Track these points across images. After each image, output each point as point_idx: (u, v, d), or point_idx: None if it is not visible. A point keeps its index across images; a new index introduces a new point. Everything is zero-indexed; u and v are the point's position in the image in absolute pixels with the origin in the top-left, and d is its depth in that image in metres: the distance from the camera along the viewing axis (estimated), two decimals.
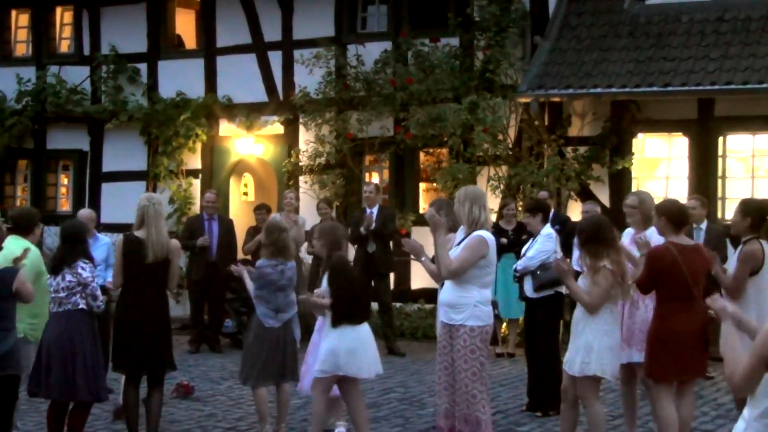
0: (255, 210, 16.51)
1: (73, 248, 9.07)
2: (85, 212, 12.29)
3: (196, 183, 19.92)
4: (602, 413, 8.91)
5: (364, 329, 9.11)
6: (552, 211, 14.41)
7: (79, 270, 8.90)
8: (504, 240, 14.42)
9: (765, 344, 4.88)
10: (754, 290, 8.91)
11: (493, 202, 16.39)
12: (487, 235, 8.75)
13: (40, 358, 9.01)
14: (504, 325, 15.57)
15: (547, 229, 11.09)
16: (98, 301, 8.93)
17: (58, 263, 9.05)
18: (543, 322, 11.03)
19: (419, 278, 17.44)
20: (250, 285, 9.93)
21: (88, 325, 9.00)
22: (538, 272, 10.85)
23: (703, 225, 13.32)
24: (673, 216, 8.74)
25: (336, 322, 9.01)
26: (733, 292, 8.89)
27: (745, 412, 5.05)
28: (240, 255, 16.01)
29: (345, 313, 8.96)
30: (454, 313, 8.68)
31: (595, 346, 8.58)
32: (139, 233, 9.34)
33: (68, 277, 8.91)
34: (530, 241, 11.24)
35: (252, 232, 15.76)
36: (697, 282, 8.64)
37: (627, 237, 9.70)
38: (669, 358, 8.52)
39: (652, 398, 9.23)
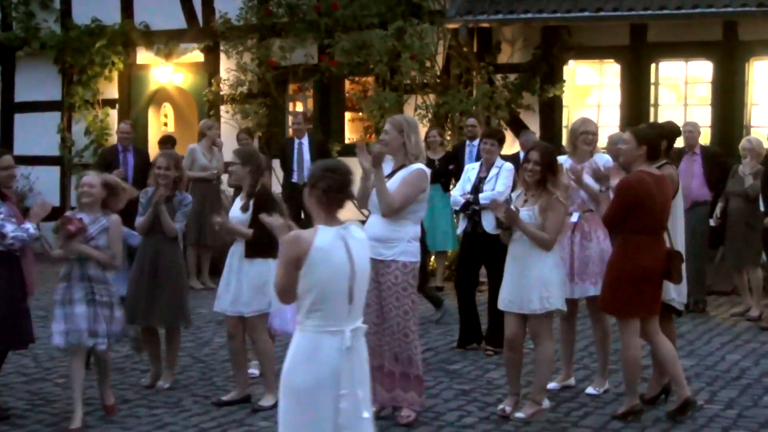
0: (159, 143, 15.93)
1: None
2: None
3: (113, 113, 19.20)
4: (554, 350, 8.60)
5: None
6: (479, 139, 14.05)
7: None
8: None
9: (287, 252, 5.28)
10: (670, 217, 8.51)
11: (421, 131, 15.94)
12: (425, 167, 8.32)
13: None
14: (432, 258, 15.17)
15: (507, 163, 10.64)
16: (7, 238, 8.06)
17: None
18: (500, 258, 10.08)
19: (348, 210, 16.94)
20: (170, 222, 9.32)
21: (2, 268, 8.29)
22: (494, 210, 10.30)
23: (697, 149, 13.18)
24: (655, 145, 8.27)
25: (254, 254, 8.57)
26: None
27: (298, 316, 5.39)
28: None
29: (268, 246, 8.42)
30: (385, 249, 8.20)
31: (552, 279, 8.26)
32: None
33: None
34: (490, 173, 10.58)
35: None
36: (665, 215, 8.25)
37: (565, 164, 9.25)
38: (634, 294, 8.09)
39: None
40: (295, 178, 15.11)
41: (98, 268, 8.23)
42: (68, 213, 8.49)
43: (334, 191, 5.38)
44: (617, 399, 8.85)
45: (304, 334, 5.35)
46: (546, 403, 8.45)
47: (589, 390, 9.18)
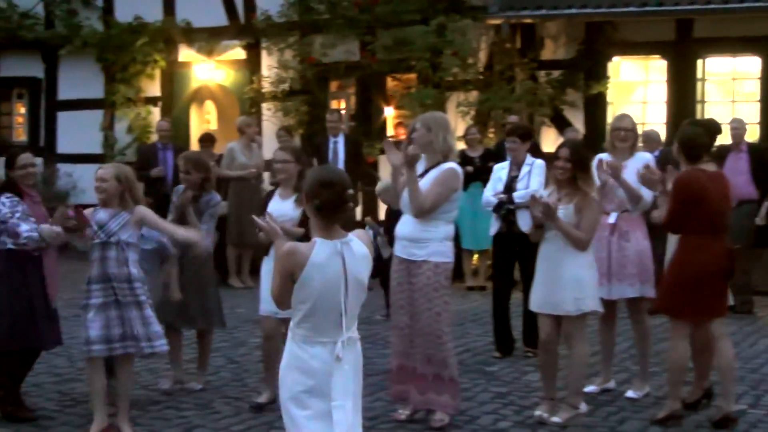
0: (198, 141, 15.89)
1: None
2: None
3: (156, 111, 19.19)
4: (588, 352, 8.39)
5: None
6: None
7: None
8: (470, 168, 13.74)
9: (283, 264, 5.20)
10: None
11: (463, 129, 15.81)
12: (458, 166, 8.14)
13: None
14: (475, 257, 15.00)
15: (539, 160, 10.42)
16: (21, 238, 7.95)
17: None
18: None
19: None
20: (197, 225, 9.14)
21: (9, 267, 8.16)
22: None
23: (744, 146, 12.95)
24: (687, 144, 7.98)
25: None
26: None
27: (291, 322, 5.33)
28: None
29: None
30: (417, 249, 8.02)
31: (587, 279, 8.04)
32: None
33: None
34: (521, 171, 10.34)
35: None
36: (724, 212, 7.98)
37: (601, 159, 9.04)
38: (692, 296, 7.83)
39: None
40: None
41: (121, 265, 7.77)
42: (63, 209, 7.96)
43: (329, 209, 5.20)
44: (657, 403, 8.60)
45: (295, 343, 5.27)
46: (583, 407, 8.23)
47: (629, 393, 8.94)
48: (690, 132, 8.14)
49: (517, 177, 10.32)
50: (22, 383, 8.54)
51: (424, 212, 7.95)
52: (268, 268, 8.42)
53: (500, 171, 10.52)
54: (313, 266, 5.14)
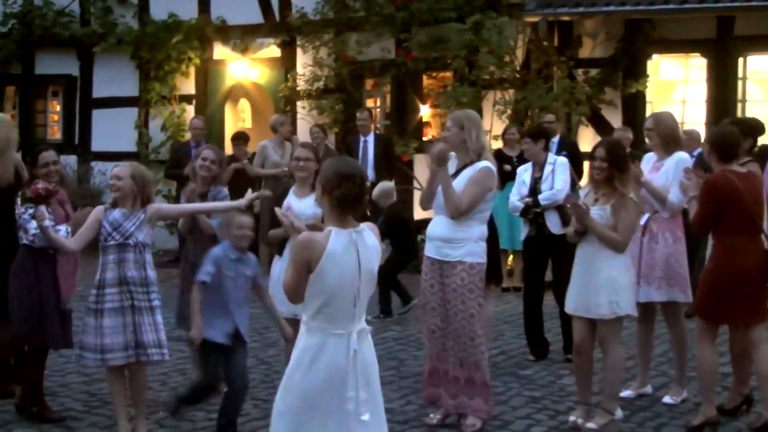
0: (232, 140, 15.83)
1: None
2: None
3: (190, 109, 19.05)
4: (624, 356, 8.17)
5: None
6: (558, 135, 13.69)
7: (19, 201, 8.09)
8: (508, 167, 13.54)
9: (298, 255, 5.20)
10: None
11: (499, 127, 15.63)
12: (492, 165, 7.98)
13: None
14: (510, 257, 14.80)
15: (561, 158, 10.35)
16: (30, 234, 7.94)
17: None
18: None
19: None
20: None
21: (24, 263, 8.11)
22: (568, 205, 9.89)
23: None
24: (720, 144, 7.79)
25: None
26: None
27: (303, 317, 5.34)
28: None
29: None
30: (450, 249, 7.86)
31: (622, 282, 7.83)
32: None
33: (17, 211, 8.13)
34: (544, 171, 10.21)
35: (228, 162, 15.07)
36: (759, 212, 7.74)
37: (647, 163, 8.87)
38: (730, 299, 7.65)
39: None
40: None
41: (139, 268, 7.63)
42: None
43: (349, 202, 5.25)
44: (695, 409, 8.37)
45: (310, 335, 5.29)
46: (618, 413, 8.03)
47: (666, 399, 8.74)
48: (721, 132, 7.97)
49: (540, 178, 10.17)
50: (41, 382, 8.44)
51: (461, 213, 7.80)
52: (280, 267, 8.21)
53: (524, 174, 10.38)
54: (330, 256, 5.18)
